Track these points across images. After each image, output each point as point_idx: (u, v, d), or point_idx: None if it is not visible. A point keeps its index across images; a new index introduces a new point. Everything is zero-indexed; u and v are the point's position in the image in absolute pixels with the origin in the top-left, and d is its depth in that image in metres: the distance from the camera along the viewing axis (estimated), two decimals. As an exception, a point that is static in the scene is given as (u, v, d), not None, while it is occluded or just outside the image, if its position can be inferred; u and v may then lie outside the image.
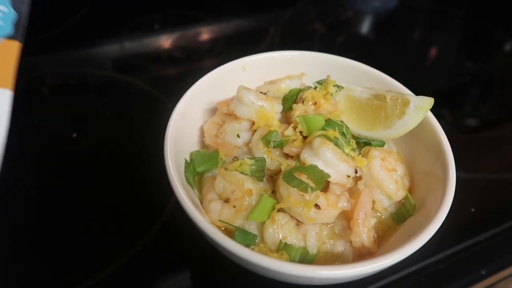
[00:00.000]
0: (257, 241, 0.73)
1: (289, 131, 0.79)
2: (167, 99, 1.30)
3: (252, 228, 0.74)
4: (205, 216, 0.76)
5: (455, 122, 1.34)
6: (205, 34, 1.70)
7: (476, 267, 0.89)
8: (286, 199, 0.71)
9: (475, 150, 1.23)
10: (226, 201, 0.76)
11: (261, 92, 0.88)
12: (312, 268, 0.61)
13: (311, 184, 0.69)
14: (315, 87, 0.89)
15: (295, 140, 0.78)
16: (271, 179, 0.82)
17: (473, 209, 1.01)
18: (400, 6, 1.96)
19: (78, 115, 1.26)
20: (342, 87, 0.87)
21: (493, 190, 1.08)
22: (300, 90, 0.90)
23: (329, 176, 0.71)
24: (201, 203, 0.81)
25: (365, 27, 1.88)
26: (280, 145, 0.79)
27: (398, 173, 0.82)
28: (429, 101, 0.81)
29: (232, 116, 0.88)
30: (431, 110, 0.83)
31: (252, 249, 0.69)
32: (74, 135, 1.18)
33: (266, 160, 0.79)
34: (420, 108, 0.81)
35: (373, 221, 0.76)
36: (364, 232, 0.71)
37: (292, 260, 0.70)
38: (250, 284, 0.77)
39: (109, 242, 0.90)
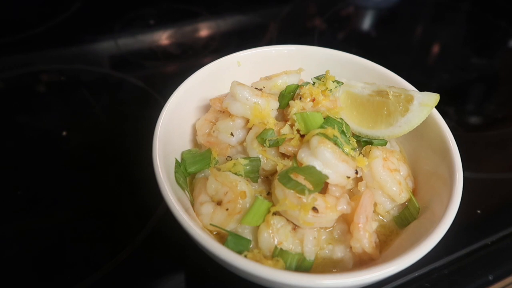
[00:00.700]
0: (251, 246, 0.71)
1: (285, 129, 0.77)
2: (161, 97, 1.28)
3: (246, 232, 0.72)
4: (196, 220, 0.73)
5: (460, 120, 1.30)
6: (202, 29, 1.67)
7: (482, 272, 0.87)
8: (282, 202, 0.68)
9: (481, 149, 1.20)
10: (219, 203, 0.75)
11: (256, 88, 0.85)
12: (309, 278, 0.58)
13: (309, 185, 0.67)
14: (314, 83, 0.86)
15: (292, 138, 0.75)
16: (267, 180, 0.80)
17: (479, 211, 0.99)
18: (403, 0, 1.92)
19: (69, 112, 1.24)
20: (342, 83, 0.86)
21: (500, 190, 1.07)
22: (298, 86, 0.87)
23: (327, 177, 0.69)
24: (193, 205, 0.78)
25: (366, 22, 1.85)
26: (276, 144, 0.76)
27: (401, 173, 0.81)
28: (434, 98, 0.78)
29: (225, 113, 0.85)
30: (435, 107, 0.80)
31: (245, 255, 0.67)
32: (64, 133, 1.16)
33: (261, 160, 0.77)
34: (424, 105, 0.78)
35: (374, 225, 0.74)
36: (365, 236, 0.68)
37: (288, 267, 0.68)
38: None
39: (98, 246, 0.88)
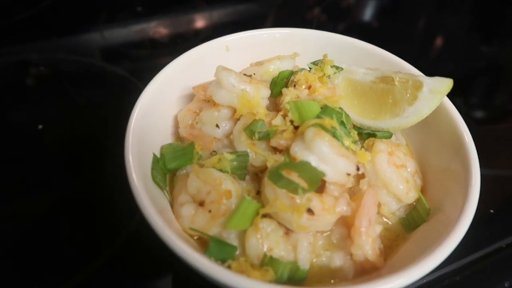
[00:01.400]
0: (237, 253, 0.66)
1: (277, 120, 0.73)
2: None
3: (232, 238, 0.66)
4: (174, 223, 0.67)
5: (469, 112, 1.24)
6: (192, 17, 1.60)
7: (497, 279, 0.83)
8: (273, 203, 0.63)
9: (492, 143, 1.14)
10: (201, 204, 0.69)
11: (245, 75, 0.78)
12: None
13: (303, 184, 0.62)
14: (310, 69, 0.81)
15: (284, 130, 0.71)
16: (256, 177, 0.75)
17: (492, 211, 0.95)
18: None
19: (47, 105, 1.17)
20: (342, 69, 0.82)
21: (515, 188, 1.02)
22: (292, 73, 0.81)
23: (324, 174, 0.64)
24: (172, 207, 0.72)
25: (368, 11, 1.79)
26: (266, 137, 0.72)
27: (409, 170, 0.77)
28: (447, 83, 0.72)
29: (210, 102, 0.79)
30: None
31: (229, 265, 0.61)
32: (40, 126, 1.09)
33: (250, 154, 0.73)
34: (435, 92, 0.72)
35: (378, 229, 0.70)
36: (367, 242, 0.64)
37: (279, 278, 0.62)
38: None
39: (72, 250, 0.82)
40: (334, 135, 0.67)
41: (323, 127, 0.66)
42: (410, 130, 0.83)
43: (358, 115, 0.79)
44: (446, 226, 0.62)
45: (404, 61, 0.88)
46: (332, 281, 0.65)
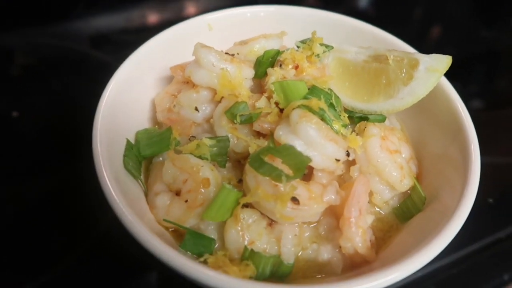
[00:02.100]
0: (215, 247, 0.64)
1: (261, 102, 0.70)
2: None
3: (210, 230, 0.64)
4: (147, 214, 0.63)
5: (469, 98, 1.20)
6: (181, 1, 1.54)
7: (496, 271, 0.82)
8: (254, 191, 0.60)
9: (492, 129, 1.12)
10: (177, 193, 0.67)
11: (227, 53, 0.75)
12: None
13: (287, 170, 0.58)
14: (298, 47, 0.77)
15: (268, 113, 0.68)
16: (238, 165, 0.73)
17: (491, 200, 0.93)
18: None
19: (24, 91, 1.13)
20: (332, 47, 0.79)
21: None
22: (279, 52, 0.77)
23: (311, 159, 0.60)
24: (146, 196, 0.69)
25: None
26: (249, 121, 0.69)
27: (403, 156, 0.75)
28: (445, 61, 0.69)
29: (189, 84, 0.75)
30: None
31: (206, 259, 0.58)
32: (15, 113, 1.06)
33: (231, 139, 0.70)
34: (433, 70, 0.69)
35: (370, 219, 0.68)
36: (357, 234, 0.61)
37: (260, 273, 0.59)
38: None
39: (43, 246, 0.79)
40: (322, 118, 0.64)
41: (310, 109, 0.64)
42: (405, 113, 0.81)
43: (350, 97, 0.76)
44: (443, 216, 0.60)
45: (398, 39, 0.85)
46: (319, 276, 0.63)
